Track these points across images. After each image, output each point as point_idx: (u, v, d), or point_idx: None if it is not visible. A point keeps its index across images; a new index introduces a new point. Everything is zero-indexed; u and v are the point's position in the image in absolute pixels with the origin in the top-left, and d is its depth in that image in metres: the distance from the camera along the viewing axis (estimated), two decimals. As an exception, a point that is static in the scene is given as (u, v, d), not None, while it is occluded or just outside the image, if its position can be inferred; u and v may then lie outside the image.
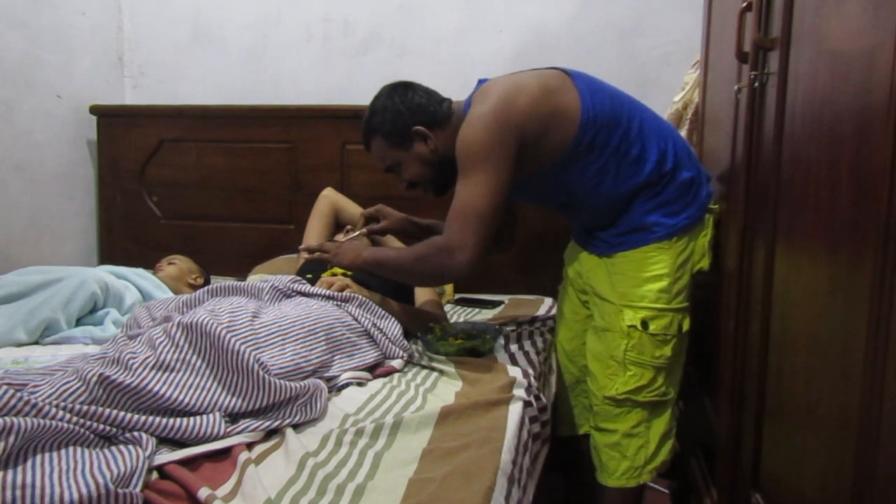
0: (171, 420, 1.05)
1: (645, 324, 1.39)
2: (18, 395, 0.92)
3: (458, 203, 1.32)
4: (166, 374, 1.13)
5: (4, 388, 0.92)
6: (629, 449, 1.44)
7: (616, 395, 1.42)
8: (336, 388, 1.33)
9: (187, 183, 2.50)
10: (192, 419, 1.06)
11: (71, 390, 1.05)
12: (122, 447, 0.97)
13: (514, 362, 1.46)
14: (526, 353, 1.53)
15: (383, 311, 1.59)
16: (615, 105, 1.38)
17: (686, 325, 1.43)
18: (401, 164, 1.50)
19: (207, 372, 1.15)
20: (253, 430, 1.10)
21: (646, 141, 1.38)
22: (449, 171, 1.42)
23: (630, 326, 1.40)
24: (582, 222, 1.58)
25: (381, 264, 1.48)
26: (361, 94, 2.52)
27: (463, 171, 1.32)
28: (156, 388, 1.08)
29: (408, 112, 1.45)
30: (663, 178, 1.39)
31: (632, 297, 1.40)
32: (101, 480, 0.84)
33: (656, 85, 2.19)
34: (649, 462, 1.44)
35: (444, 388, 1.35)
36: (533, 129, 1.33)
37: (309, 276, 1.75)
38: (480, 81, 1.44)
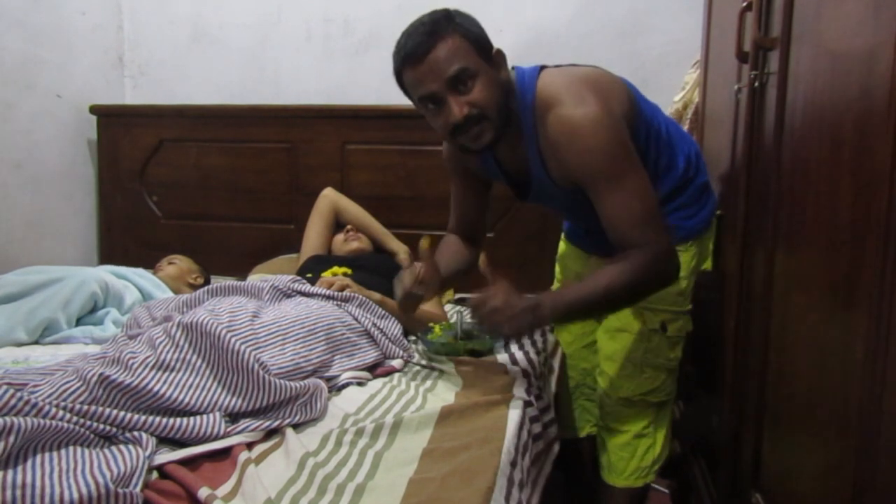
0: (171, 420, 1.05)
1: (664, 326, 1.39)
2: (18, 394, 0.92)
3: (631, 212, 1.18)
4: (166, 373, 1.13)
5: (4, 387, 0.92)
6: (639, 449, 1.45)
7: (631, 396, 1.43)
8: (336, 388, 1.33)
9: (187, 183, 2.50)
10: (192, 419, 1.06)
11: (71, 390, 1.05)
12: (122, 447, 0.97)
13: (514, 362, 1.45)
14: (526, 353, 1.53)
15: (383, 311, 1.59)
16: (651, 111, 1.34)
17: (690, 327, 1.44)
18: (478, 77, 1.20)
19: (207, 372, 1.15)
20: (253, 430, 1.10)
21: (673, 149, 1.35)
22: (508, 119, 1.26)
23: (651, 330, 1.39)
24: (593, 226, 1.45)
25: (575, 312, 1.24)
26: (361, 94, 2.55)
27: (611, 183, 1.18)
28: (156, 388, 1.08)
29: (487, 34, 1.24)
30: (686, 183, 1.37)
31: (652, 299, 1.35)
32: (101, 480, 0.84)
33: (656, 85, 2.18)
34: (656, 462, 1.46)
35: (444, 388, 1.35)
36: (628, 119, 1.24)
37: (309, 275, 1.75)
38: (518, 69, 1.29)
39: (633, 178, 1.18)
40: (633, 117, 1.26)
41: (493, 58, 1.24)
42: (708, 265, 1.45)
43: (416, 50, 1.18)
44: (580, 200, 1.27)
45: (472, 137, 1.23)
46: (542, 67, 1.29)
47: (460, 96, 1.19)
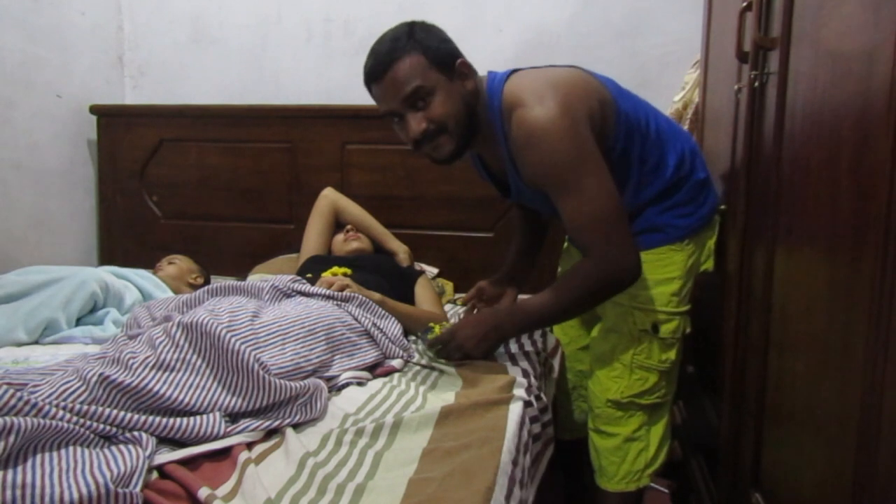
0: (171, 420, 1.05)
1: (655, 327, 1.36)
2: (18, 394, 0.92)
3: (584, 218, 1.21)
4: (166, 373, 1.13)
5: (4, 387, 0.92)
6: (630, 453, 1.42)
7: (620, 398, 1.40)
8: (336, 388, 1.33)
9: (187, 183, 2.50)
10: (192, 419, 1.06)
11: (71, 390, 1.05)
12: (122, 447, 0.97)
13: (514, 362, 1.45)
14: (526, 354, 1.53)
15: (383, 311, 1.59)
16: (637, 109, 1.32)
17: (688, 328, 1.41)
18: (435, 93, 1.24)
19: (207, 372, 1.15)
20: (253, 430, 1.09)
21: (664, 147, 1.33)
22: (472, 130, 1.30)
23: (641, 331, 1.37)
24: None
25: (533, 324, 1.39)
26: (361, 94, 2.53)
27: (566, 187, 1.21)
28: (156, 388, 1.08)
29: (453, 43, 1.29)
30: (680, 181, 1.35)
31: (643, 299, 1.36)
32: (101, 480, 0.84)
33: (656, 85, 2.18)
34: (649, 466, 1.43)
35: (444, 388, 1.35)
36: (594, 120, 1.23)
37: (309, 275, 1.75)
38: (491, 73, 1.33)
39: (589, 181, 1.19)
40: (607, 118, 1.26)
41: (457, 69, 1.26)
42: (709, 265, 1.41)
43: (376, 69, 1.26)
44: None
45: (433, 149, 1.30)
46: (515, 70, 1.32)
47: (418, 112, 1.25)
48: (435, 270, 2.27)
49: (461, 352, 1.37)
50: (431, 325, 1.59)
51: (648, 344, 1.37)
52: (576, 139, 1.18)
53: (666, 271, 1.36)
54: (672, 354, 1.39)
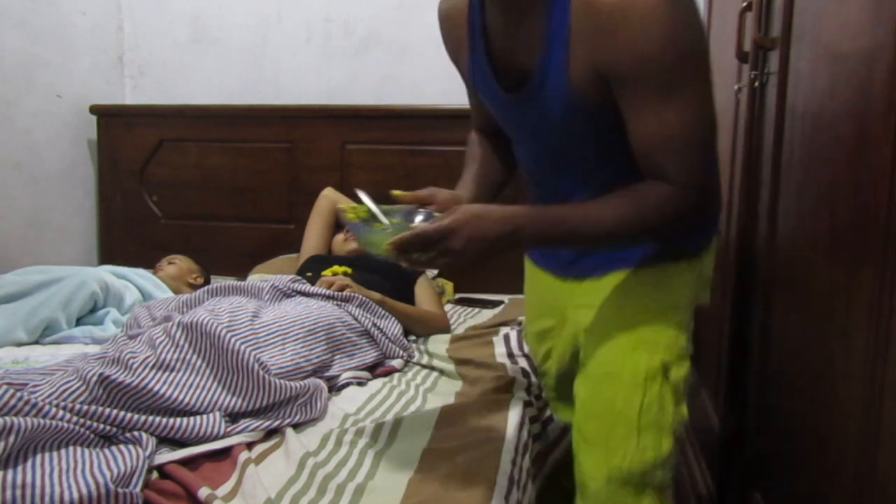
0: (172, 420, 1.05)
1: (666, 370, 0.99)
2: (18, 394, 0.92)
3: (681, 132, 0.89)
4: (166, 373, 1.13)
5: (4, 387, 0.92)
6: None
7: (627, 471, 0.97)
8: (336, 388, 1.33)
9: (187, 183, 2.50)
10: (192, 419, 1.06)
11: (71, 390, 1.05)
12: (122, 447, 0.97)
13: (514, 362, 1.46)
14: (526, 354, 1.53)
15: (383, 311, 1.59)
16: None
17: (689, 369, 1.05)
18: None
19: (207, 371, 1.15)
20: (253, 430, 1.10)
21: None
22: None
23: (649, 378, 0.98)
24: (568, 187, 1.10)
25: (562, 238, 0.96)
26: (361, 94, 2.55)
27: (665, 87, 0.88)
28: (156, 388, 1.08)
29: None
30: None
31: (646, 334, 1.01)
32: (101, 480, 0.84)
33: (656, 85, 2.18)
34: None
35: (444, 387, 1.35)
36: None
37: (309, 275, 1.75)
38: None
39: (700, 85, 0.90)
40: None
41: None
42: (705, 298, 1.11)
43: None
44: (577, 131, 0.99)
45: None
46: None
47: None
48: (435, 270, 2.27)
49: (446, 258, 0.88)
50: (346, 208, 1.12)
51: (660, 392, 0.99)
52: (694, 27, 0.88)
53: (675, 295, 1.04)
54: (685, 410, 1.02)
